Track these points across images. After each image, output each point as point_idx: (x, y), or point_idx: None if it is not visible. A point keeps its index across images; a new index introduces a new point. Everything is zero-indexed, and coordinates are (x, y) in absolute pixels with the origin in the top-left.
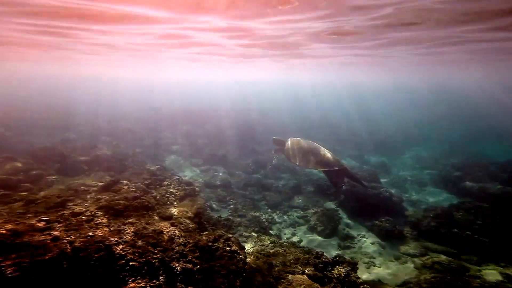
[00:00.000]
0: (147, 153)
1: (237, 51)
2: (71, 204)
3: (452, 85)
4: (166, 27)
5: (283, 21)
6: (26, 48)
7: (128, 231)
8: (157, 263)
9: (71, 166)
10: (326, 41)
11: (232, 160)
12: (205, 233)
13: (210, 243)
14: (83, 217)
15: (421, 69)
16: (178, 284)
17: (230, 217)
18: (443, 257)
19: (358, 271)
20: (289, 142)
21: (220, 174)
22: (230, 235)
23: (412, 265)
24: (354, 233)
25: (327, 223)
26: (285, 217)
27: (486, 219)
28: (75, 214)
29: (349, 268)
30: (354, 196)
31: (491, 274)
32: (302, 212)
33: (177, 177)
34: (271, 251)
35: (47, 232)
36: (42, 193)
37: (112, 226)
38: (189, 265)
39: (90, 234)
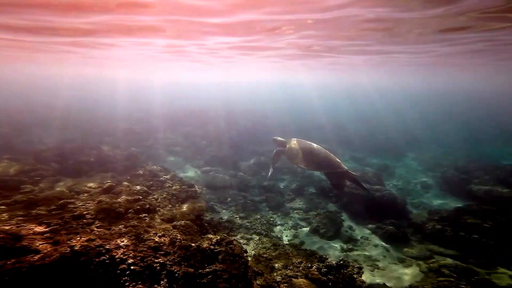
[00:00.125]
0: (149, 153)
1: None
2: (72, 206)
3: (454, 87)
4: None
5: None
6: (31, 51)
7: (129, 234)
8: (158, 267)
9: (72, 167)
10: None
11: (233, 161)
12: (207, 236)
13: (212, 247)
14: (84, 220)
15: (423, 70)
16: None
17: (231, 219)
18: (449, 260)
19: (362, 274)
20: (289, 143)
21: (221, 175)
22: (232, 238)
23: (417, 268)
24: (357, 235)
25: (330, 225)
26: (287, 219)
27: (494, 222)
28: (76, 217)
29: (354, 272)
30: (357, 199)
31: (501, 277)
32: (304, 214)
33: (178, 178)
34: (273, 254)
35: (47, 236)
36: (43, 195)
37: (113, 230)
38: (191, 269)
39: (91, 237)
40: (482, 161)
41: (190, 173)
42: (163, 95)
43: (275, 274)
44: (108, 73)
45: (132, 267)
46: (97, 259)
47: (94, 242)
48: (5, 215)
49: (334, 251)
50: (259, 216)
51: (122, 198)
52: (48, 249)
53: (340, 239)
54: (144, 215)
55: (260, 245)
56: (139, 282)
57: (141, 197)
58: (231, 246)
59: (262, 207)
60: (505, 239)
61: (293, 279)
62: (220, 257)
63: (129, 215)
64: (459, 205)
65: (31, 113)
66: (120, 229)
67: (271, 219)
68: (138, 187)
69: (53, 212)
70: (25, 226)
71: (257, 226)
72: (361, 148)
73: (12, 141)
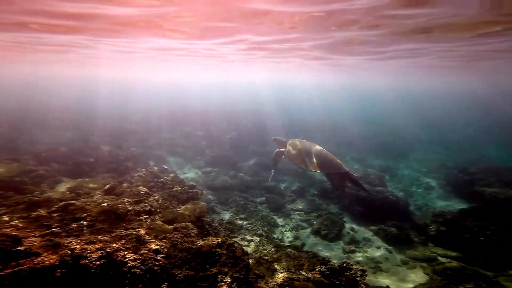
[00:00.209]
0: (149, 154)
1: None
2: (73, 208)
3: (457, 88)
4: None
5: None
6: (35, 50)
7: (130, 236)
8: (159, 270)
9: (73, 168)
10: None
11: (233, 162)
12: (208, 238)
13: (213, 249)
14: (85, 222)
15: (426, 71)
16: None
17: (232, 220)
18: (454, 263)
19: (366, 277)
20: (290, 143)
21: (222, 176)
22: (233, 241)
23: (421, 271)
24: (359, 237)
25: (331, 227)
26: (288, 220)
27: (501, 224)
28: (76, 219)
29: (357, 275)
30: (359, 200)
31: (511, 280)
32: (305, 216)
33: (179, 179)
34: (275, 256)
35: (48, 238)
36: (44, 196)
37: (114, 232)
38: (192, 272)
39: (92, 240)
40: (485, 162)
41: (191, 173)
42: (164, 96)
43: (277, 276)
44: (108, 73)
45: (132, 270)
46: (97, 263)
47: (94, 245)
48: (5, 217)
49: (336, 252)
50: (260, 217)
51: (123, 199)
52: (48, 252)
53: (342, 240)
54: (145, 216)
55: (261, 247)
56: (140, 286)
57: (142, 198)
58: (232, 248)
59: (263, 208)
60: None
61: (295, 282)
62: (221, 259)
63: (130, 217)
64: (464, 207)
65: (32, 113)
66: (121, 231)
67: (272, 220)
68: (139, 188)
69: (54, 214)
70: (26, 228)
71: (258, 228)
72: (363, 149)
73: (13, 141)
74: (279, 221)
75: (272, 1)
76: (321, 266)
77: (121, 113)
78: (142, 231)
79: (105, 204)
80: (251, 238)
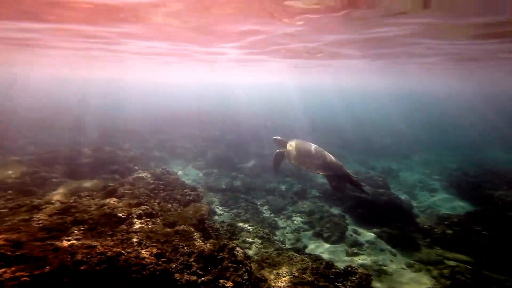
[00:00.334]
0: (151, 155)
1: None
2: (74, 210)
3: (460, 90)
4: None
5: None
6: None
7: (131, 240)
8: (161, 275)
9: (75, 169)
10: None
11: (234, 163)
12: (209, 241)
13: (215, 253)
14: (86, 225)
15: (429, 73)
16: None
17: (233, 222)
18: (463, 266)
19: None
20: (290, 143)
21: (223, 177)
22: (234, 244)
23: (428, 274)
24: (362, 240)
25: (334, 229)
26: (289, 222)
27: (510, 228)
28: (77, 222)
29: (363, 279)
30: (362, 202)
31: None
32: (307, 218)
33: (181, 181)
34: (277, 259)
35: (48, 242)
36: (45, 198)
37: (115, 235)
38: (194, 277)
39: (92, 244)
40: (491, 164)
41: (192, 175)
42: (165, 97)
43: (279, 281)
44: (108, 74)
45: (133, 275)
46: (97, 268)
47: (95, 249)
48: (6, 220)
49: (339, 255)
50: (261, 219)
51: (124, 202)
52: (49, 257)
53: (344, 243)
54: (146, 219)
55: (262, 250)
56: None
57: (143, 201)
58: (234, 252)
59: (264, 210)
60: None
61: (298, 286)
62: (223, 264)
63: (131, 220)
64: (470, 210)
65: (36, 113)
66: (122, 235)
67: (273, 222)
68: (140, 191)
69: (55, 217)
70: (27, 232)
71: (259, 230)
72: (365, 151)
73: (16, 142)
74: (281, 223)
75: None
76: (325, 270)
77: (122, 114)
78: (144, 235)
79: (106, 207)
80: (252, 240)
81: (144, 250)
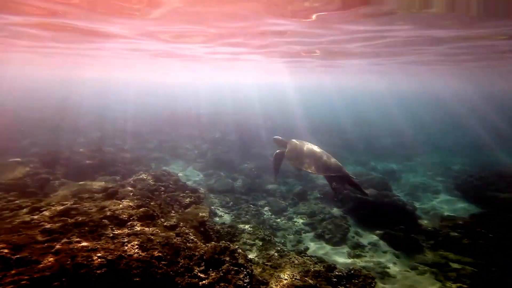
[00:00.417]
0: (152, 156)
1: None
2: (75, 212)
3: (464, 91)
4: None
5: None
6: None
7: (132, 243)
8: (161, 279)
9: (77, 170)
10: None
11: (235, 165)
12: (210, 244)
13: (216, 256)
14: (86, 228)
15: (432, 74)
16: None
17: (233, 223)
18: (469, 269)
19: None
20: (290, 143)
21: (223, 178)
22: (236, 247)
23: (432, 277)
24: (364, 241)
25: (335, 230)
26: (290, 224)
27: None
28: (78, 224)
29: (367, 283)
30: (364, 204)
31: None
32: (308, 219)
33: (181, 183)
34: (278, 261)
35: (48, 245)
36: (46, 200)
37: (116, 238)
38: (195, 280)
39: (93, 247)
40: (495, 167)
41: (192, 176)
42: (166, 97)
43: (281, 284)
44: (109, 75)
45: (134, 279)
46: (98, 271)
47: (95, 252)
48: (7, 222)
49: (341, 257)
50: (261, 221)
51: (125, 204)
52: (49, 260)
53: (346, 245)
54: (147, 222)
55: (263, 251)
56: None
57: (144, 203)
58: (235, 255)
59: (264, 211)
60: None
61: None
62: (224, 267)
63: (132, 222)
64: (474, 212)
65: (37, 114)
66: (123, 237)
67: (274, 224)
68: (141, 192)
69: (55, 219)
70: (27, 234)
71: (260, 231)
72: (366, 152)
73: (19, 143)
74: (282, 224)
75: None
76: (328, 273)
77: (125, 115)
78: (145, 237)
79: (107, 209)
80: (253, 242)
81: (145, 253)
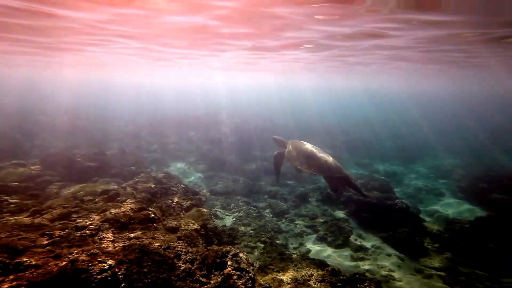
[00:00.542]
0: (153, 158)
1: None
2: (76, 215)
3: (468, 92)
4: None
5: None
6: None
7: (133, 247)
8: (163, 284)
9: (78, 172)
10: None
11: (236, 166)
12: (212, 247)
13: (218, 260)
14: (87, 231)
15: (436, 75)
16: None
17: (234, 226)
18: (480, 273)
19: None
20: (290, 143)
21: (224, 180)
22: (238, 250)
23: (440, 281)
24: (367, 244)
25: (338, 233)
26: (292, 226)
27: None
28: (78, 228)
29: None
30: (366, 206)
31: None
32: (310, 221)
33: (183, 185)
34: (280, 265)
35: (49, 249)
36: (48, 203)
37: (117, 242)
38: (196, 285)
39: (93, 251)
40: (498, 168)
41: (194, 178)
42: (167, 99)
43: None
44: (110, 76)
45: (135, 284)
46: (98, 276)
47: (96, 257)
48: (8, 225)
49: (343, 260)
50: (263, 223)
51: (126, 207)
52: (49, 264)
53: (349, 247)
54: (148, 225)
55: (265, 254)
56: None
57: (145, 205)
58: (237, 259)
59: (266, 213)
60: None
61: None
62: (226, 271)
63: (133, 225)
64: (479, 215)
65: (38, 116)
66: (124, 241)
67: (276, 226)
68: (142, 195)
69: (56, 222)
70: (27, 237)
71: (262, 234)
72: (368, 154)
73: (21, 145)
74: (283, 226)
75: None
76: (331, 277)
77: (126, 117)
78: (146, 241)
79: (108, 212)
80: (255, 245)
81: (146, 257)
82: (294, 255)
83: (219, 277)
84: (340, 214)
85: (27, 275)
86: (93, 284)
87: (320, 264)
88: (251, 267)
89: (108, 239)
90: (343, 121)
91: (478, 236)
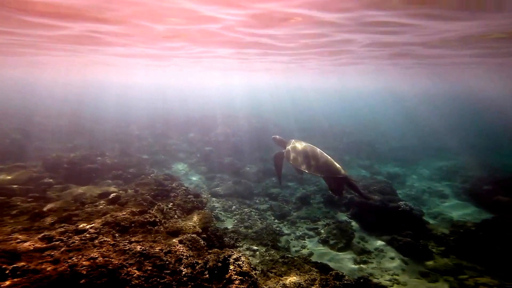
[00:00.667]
0: (154, 160)
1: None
2: (76, 218)
3: (472, 93)
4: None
5: None
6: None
7: (134, 251)
8: None
9: (79, 174)
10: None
11: (237, 168)
12: (213, 250)
13: (219, 264)
14: (87, 235)
15: (438, 75)
16: None
17: (236, 228)
18: (487, 277)
19: None
20: (290, 144)
21: (226, 182)
22: (240, 254)
23: (446, 285)
24: (370, 247)
25: (340, 236)
26: (294, 229)
27: None
28: (78, 231)
29: None
30: (369, 209)
31: None
32: (312, 224)
33: (184, 187)
34: (283, 268)
35: (48, 253)
36: (48, 206)
37: (117, 246)
38: None
39: (93, 256)
40: (502, 169)
41: (195, 180)
42: (168, 101)
43: None
44: (111, 77)
45: None
46: (98, 281)
47: (96, 261)
48: (8, 228)
49: (346, 263)
50: (264, 226)
51: (127, 210)
52: (48, 269)
53: (352, 250)
54: (149, 228)
55: (267, 257)
56: None
57: (146, 208)
58: (239, 263)
59: (267, 215)
60: None
61: None
62: (227, 275)
63: (134, 228)
64: (484, 217)
65: (41, 119)
66: (125, 245)
67: (277, 228)
68: (144, 197)
69: (56, 225)
70: (26, 241)
71: (263, 236)
72: (370, 156)
73: (23, 148)
74: (285, 229)
75: None
76: (335, 281)
77: (127, 118)
78: (147, 245)
79: (108, 215)
80: (256, 247)
81: (147, 261)
82: (297, 258)
83: (221, 282)
84: (343, 216)
85: (25, 280)
86: None
87: (322, 267)
88: (254, 271)
89: (109, 242)
90: (346, 123)
91: (484, 239)
